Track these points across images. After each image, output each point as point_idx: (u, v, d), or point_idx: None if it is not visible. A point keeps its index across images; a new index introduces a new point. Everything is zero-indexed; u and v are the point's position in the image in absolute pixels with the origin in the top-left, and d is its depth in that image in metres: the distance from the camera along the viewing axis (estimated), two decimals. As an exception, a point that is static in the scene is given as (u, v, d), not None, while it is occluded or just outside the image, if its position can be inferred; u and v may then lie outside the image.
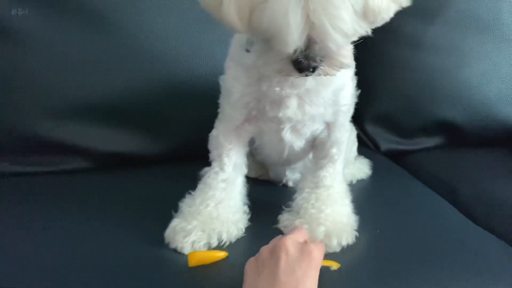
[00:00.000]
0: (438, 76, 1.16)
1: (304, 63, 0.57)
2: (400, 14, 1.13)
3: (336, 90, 0.72)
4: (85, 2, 0.97)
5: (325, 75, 0.61)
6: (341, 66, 0.61)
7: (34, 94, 0.98)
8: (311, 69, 0.58)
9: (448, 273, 0.68)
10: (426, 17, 1.15)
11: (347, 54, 0.62)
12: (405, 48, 1.17)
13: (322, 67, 0.59)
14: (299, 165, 0.86)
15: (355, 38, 0.60)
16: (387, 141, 1.22)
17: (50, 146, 1.00)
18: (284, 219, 0.75)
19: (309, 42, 0.56)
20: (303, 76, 0.60)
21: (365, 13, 0.58)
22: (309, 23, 0.54)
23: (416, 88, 1.17)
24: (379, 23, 0.63)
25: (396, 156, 1.19)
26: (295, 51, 0.56)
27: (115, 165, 1.03)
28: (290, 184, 0.91)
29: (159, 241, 0.72)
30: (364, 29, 0.59)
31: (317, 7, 0.53)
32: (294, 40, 0.54)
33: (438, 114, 1.17)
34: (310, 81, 0.70)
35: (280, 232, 0.75)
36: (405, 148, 1.21)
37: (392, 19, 1.12)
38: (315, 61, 0.57)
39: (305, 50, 0.56)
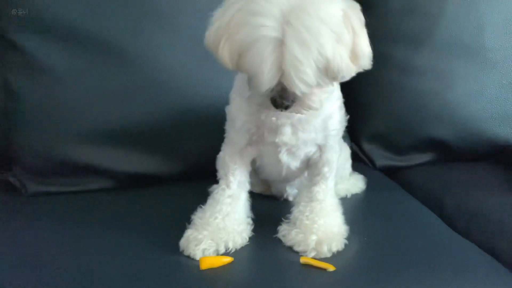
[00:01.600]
0: (427, 97, 1.23)
1: (278, 101, 0.69)
2: (391, 42, 1.24)
3: (325, 118, 0.82)
4: (108, 41, 1.05)
5: (296, 113, 0.72)
6: (310, 108, 0.71)
7: (62, 121, 1.06)
8: (285, 107, 0.69)
9: (427, 274, 0.77)
10: (415, 43, 1.23)
11: (315, 100, 0.71)
12: (396, 72, 1.24)
13: (294, 107, 0.70)
14: (297, 181, 0.95)
15: (319, 89, 0.71)
16: (382, 158, 1.28)
17: (76, 167, 1.07)
18: (283, 229, 0.84)
19: (282, 86, 0.67)
20: (279, 111, 0.71)
21: (326, 71, 0.68)
22: (281, 71, 0.65)
23: (408, 109, 1.24)
24: (341, 80, 0.72)
25: (390, 172, 1.26)
26: (272, 90, 0.67)
27: (135, 184, 1.10)
28: (290, 198, 1.00)
29: (175, 249, 0.81)
30: (326, 83, 0.70)
31: (287, 61, 0.64)
32: (266, 83, 0.66)
33: (429, 132, 1.24)
34: None
35: (279, 241, 0.84)
36: (399, 164, 1.28)
37: (383, 47, 1.23)
38: (288, 100, 0.69)
39: (280, 90, 0.67)
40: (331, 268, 0.75)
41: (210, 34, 0.74)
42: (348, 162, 1.07)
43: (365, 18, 1.19)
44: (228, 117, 0.86)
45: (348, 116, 0.92)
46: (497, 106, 1.24)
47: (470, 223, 0.97)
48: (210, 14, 0.94)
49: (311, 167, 0.88)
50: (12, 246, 0.87)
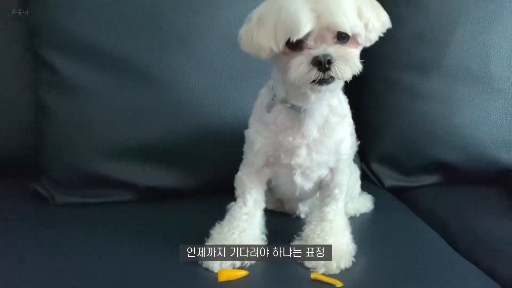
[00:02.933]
0: (434, 121, 1.26)
1: (321, 56, 0.73)
2: (401, 68, 1.29)
3: (337, 142, 0.88)
4: (134, 63, 1.11)
5: (340, 78, 0.75)
6: (350, 64, 0.75)
7: (90, 137, 1.12)
8: (327, 62, 0.73)
9: None
10: (423, 69, 1.27)
11: (354, 56, 0.77)
12: (405, 97, 1.29)
13: (336, 64, 0.73)
14: (309, 200, 1.01)
15: (354, 46, 0.77)
16: (391, 178, 1.31)
17: (101, 180, 1.13)
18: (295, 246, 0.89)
19: (320, 35, 0.74)
20: (322, 81, 0.75)
21: (359, 15, 0.75)
22: (316, 15, 0.72)
23: (416, 132, 1.28)
24: (369, 41, 0.80)
25: (398, 192, 1.30)
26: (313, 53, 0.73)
27: (156, 197, 1.15)
28: (302, 216, 1.05)
29: (195, 261, 0.86)
30: (359, 29, 0.75)
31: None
32: (306, 24, 0.71)
33: (436, 155, 1.28)
34: (315, 132, 0.86)
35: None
36: (407, 185, 1.32)
37: (393, 72, 1.29)
38: (329, 55, 0.73)
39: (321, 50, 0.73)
40: (339, 284, 0.81)
41: (243, 32, 0.80)
42: (358, 183, 1.12)
43: (377, 44, 1.26)
44: (247, 140, 0.92)
45: (359, 142, 0.97)
46: (502, 132, 1.27)
47: (474, 246, 1.00)
48: (229, 39, 1.01)
49: (322, 188, 0.93)
50: (40, 253, 0.92)
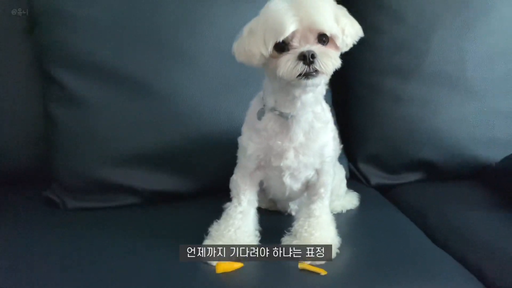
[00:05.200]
0: (416, 123, 1.33)
1: (305, 51, 0.82)
2: (383, 74, 1.38)
3: (321, 145, 0.96)
4: (135, 77, 1.17)
5: (323, 71, 0.83)
6: (331, 60, 0.84)
7: (96, 146, 1.18)
8: (311, 56, 0.81)
9: (403, 280, 0.90)
10: (404, 75, 1.34)
11: (334, 54, 0.86)
12: (388, 102, 1.35)
13: (319, 59, 0.82)
14: (298, 200, 1.09)
15: (333, 47, 0.86)
16: (376, 177, 1.39)
17: (108, 186, 1.19)
18: (285, 240, 0.98)
19: (303, 38, 0.84)
20: (308, 75, 0.83)
21: (336, 20, 0.85)
22: (299, 18, 0.82)
23: (398, 133, 1.35)
24: (346, 46, 0.89)
25: (384, 189, 1.37)
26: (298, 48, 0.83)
27: (159, 200, 1.21)
28: (293, 213, 1.13)
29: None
30: (336, 31, 0.85)
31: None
32: (290, 25, 0.81)
33: (418, 154, 1.34)
34: (302, 137, 0.94)
35: None
36: (391, 182, 1.38)
37: (376, 79, 1.39)
38: (312, 51, 0.82)
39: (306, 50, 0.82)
40: (323, 272, 0.89)
41: (236, 45, 0.90)
42: (343, 182, 1.20)
43: (360, 53, 1.35)
44: (240, 146, 1.00)
45: (342, 145, 1.06)
46: (479, 130, 1.34)
47: (449, 237, 1.09)
48: (223, 51, 1.09)
49: (309, 188, 1.01)
50: (51, 253, 1.00)
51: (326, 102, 1.31)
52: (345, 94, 1.45)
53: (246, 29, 0.90)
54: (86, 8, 1.17)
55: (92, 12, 1.17)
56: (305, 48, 0.83)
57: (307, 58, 0.82)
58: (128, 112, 1.19)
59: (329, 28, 0.85)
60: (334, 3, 0.89)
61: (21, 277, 0.92)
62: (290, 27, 0.82)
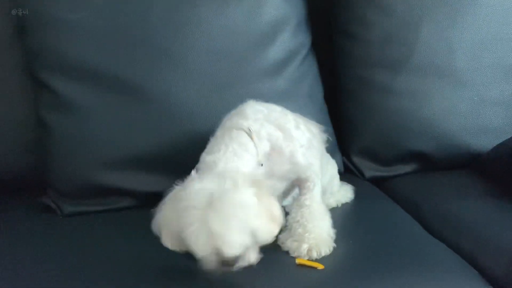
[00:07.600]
0: (407, 115, 1.33)
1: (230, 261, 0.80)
2: (372, 67, 1.39)
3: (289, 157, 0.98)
4: (127, 80, 1.18)
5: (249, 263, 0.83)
6: (251, 261, 0.83)
7: (90, 150, 1.19)
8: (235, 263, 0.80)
9: (400, 271, 0.91)
10: (394, 68, 1.34)
11: (251, 258, 0.84)
12: (378, 94, 1.36)
13: (240, 261, 0.81)
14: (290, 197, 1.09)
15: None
16: (371, 170, 1.39)
17: (103, 190, 1.20)
18: (281, 237, 0.98)
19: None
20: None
21: (254, 236, 0.81)
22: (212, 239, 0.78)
23: (390, 125, 1.35)
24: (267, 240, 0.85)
25: (378, 182, 1.37)
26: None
27: (154, 202, 1.14)
28: (287, 209, 1.14)
29: (190, 255, 0.89)
30: (257, 242, 0.82)
31: (214, 229, 0.78)
32: (201, 250, 0.80)
33: (410, 145, 1.35)
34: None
35: (278, 246, 0.98)
36: (385, 175, 1.38)
37: (366, 72, 1.40)
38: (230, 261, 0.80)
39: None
40: (320, 266, 0.91)
41: (155, 224, 0.90)
42: (336, 178, 1.21)
43: (350, 47, 1.35)
44: None
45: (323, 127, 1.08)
46: (470, 120, 1.35)
47: (443, 225, 1.10)
48: (213, 52, 1.09)
49: (296, 183, 1.02)
50: (50, 260, 1.00)
51: (317, 97, 1.33)
52: (336, 88, 1.45)
53: (158, 215, 0.89)
54: (76, 13, 1.17)
55: (82, 17, 1.17)
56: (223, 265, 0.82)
57: (228, 265, 0.82)
58: (120, 115, 1.19)
59: (235, 252, 0.81)
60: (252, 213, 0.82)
61: (20, 283, 0.93)
62: (201, 252, 0.81)
